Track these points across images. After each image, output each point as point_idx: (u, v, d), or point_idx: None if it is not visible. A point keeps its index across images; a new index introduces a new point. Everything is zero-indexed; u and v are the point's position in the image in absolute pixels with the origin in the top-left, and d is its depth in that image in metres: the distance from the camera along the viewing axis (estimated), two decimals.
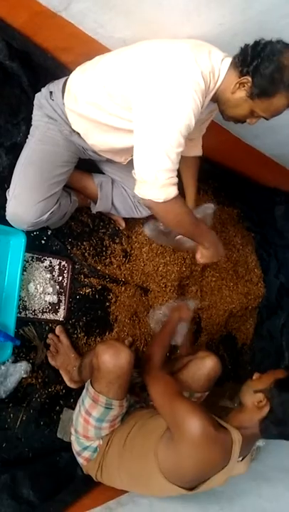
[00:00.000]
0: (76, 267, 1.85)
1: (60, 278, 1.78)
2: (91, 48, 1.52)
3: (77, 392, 1.69)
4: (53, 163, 1.53)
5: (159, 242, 2.14)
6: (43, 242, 1.76)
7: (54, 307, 1.75)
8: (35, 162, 1.51)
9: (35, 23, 1.47)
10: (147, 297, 2.13)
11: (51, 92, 1.52)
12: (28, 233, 1.58)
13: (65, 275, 1.80)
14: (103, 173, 1.86)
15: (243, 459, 1.42)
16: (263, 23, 1.36)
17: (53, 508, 1.49)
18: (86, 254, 1.90)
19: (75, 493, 1.56)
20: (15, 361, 1.60)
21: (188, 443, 1.29)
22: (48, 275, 1.74)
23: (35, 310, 1.69)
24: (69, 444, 1.61)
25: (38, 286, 1.69)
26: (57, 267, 1.77)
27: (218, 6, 1.33)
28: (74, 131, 1.53)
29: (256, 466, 1.61)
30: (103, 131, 1.47)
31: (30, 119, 1.59)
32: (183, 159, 1.71)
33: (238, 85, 1.27)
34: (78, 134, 1.53)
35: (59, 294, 1.77)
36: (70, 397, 1.77)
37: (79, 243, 1.89)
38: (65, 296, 1.79)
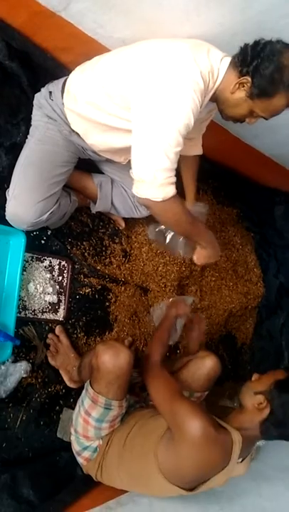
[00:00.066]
0: (76, 266, 1.85)
1: (60, 278, 1.78)
2: (90, 48, 1.52)
3: (77, 392, 1.69)
4: (53, 163, 1.53)
5: (160, 246, 2.13)
6: (42, 242, 1.76)
7: (54, 307, 1.75)
8: (34, 162, 1.51)
9: (35, 23, 1.47)
10: (147, 297, 2.13)
11: (51, 92, 1.52)
12: (27, 233, 1.58)
13: (65, 275, 1.80)
14: (103, 173, 1.86)
15: (242, 461, 1.41)
16: (263, 23, 1.36)
17: (53, 507, 1.49)
18: (86, 254, 1.90)
19: (75, 493, 1.56)
20: (15, 361, 1.60)
21: (188, 443, 1.29)
22: (48, 275, 1.74)
23: (35, 310, 1.69)
24: (69, 444, 1.61)
25: (38, 286, 1.70)
26: (57, 266, 1.77)
27: (217, 6, 1.33)
28: (73, 131, 1.53)
29: (256, 466, 1.61)
30: (102, 131, 1.47)
31: (30, 119, 1.59)
32: (183, 158, 1.72)
33: (237, 85, 1.27)
34: (78, 133, 1.53)
35: (59, 293, 1.77)
36: (70, 397, 1.77)
37: (79, 243, 1.89)
38: (64, 296, 1.79)
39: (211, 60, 1.25)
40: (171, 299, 2.01)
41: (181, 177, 1.88)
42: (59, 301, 1.77)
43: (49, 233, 1.78)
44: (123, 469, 1.46)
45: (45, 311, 1.72)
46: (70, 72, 1.50)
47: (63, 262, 1.79)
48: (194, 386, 1.69)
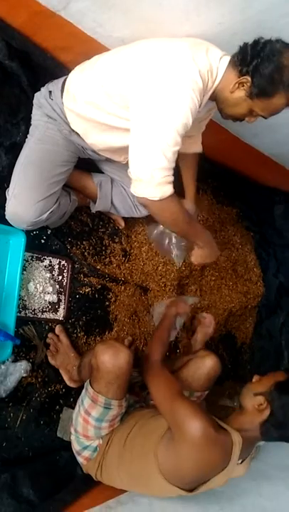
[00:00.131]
0: (76, 266, 1.85)
1: (60, 277, 1.78)
2: (90, 47, 1.52)
3: (77, 392, 1.69)
4: (53, 163, 1.53)
5: (157, 248, 2.13)
6: (42, 241, 1.76)
7: (54, 306, 1.75)
8: (34, 161, 1.51)
9: (35, 22, 1.47)
10: (147, 296, 2.13)
11: (50, 92, 1.52)
12: (27, 232, 1.58)
13: (65, 274, 1.80)
14: (102, 173, 1.86)
15: (242, 462, 1.41)
16: (262, 23, 1.36)
17: (53, 507, 1.49)
18: (86, 253, 1.90)
19: (75, 493, 1.56)
20: (15, 360, 1.60)
21: (188, 444, 1.29)
22: (48, 274, 1.74)
23: (35, 309, 1.69)
24: (69, 444, 1.61)
25: (38, 285, 1.70)
26: (56, 266, 1.77)
27: (217, 6, 1.33)
28: (73, 130, 1.53)
29: (256, 465, 1.61)
30: (102, 130, 1.47)
31: (30, 118, 1.59)
32: (183, 156, 1.73)
33: (237, 85, 1.27)
34: (77, 133, 1.53)
35: (59, 293, 1.77)
36: (70, 397, 1.77)
37: (78, 242, 1.89)
38: (64, 295, 1.79)
39: (210, 59, 1.25)
40: (171, 299, 2.01)
41: (180, 176, 1.88)
42: (59, 300, 1.77)
43: (49, 232, 1.78)
44: (123, 469, 1.46)
45: (45, 311, 1.72)
46: (70, 71, 1.50)
47: (63, 262, 1.80)
48: (194, 385, 1.69)
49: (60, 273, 1.79)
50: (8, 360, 1.56)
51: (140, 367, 1.64)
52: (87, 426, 1.48)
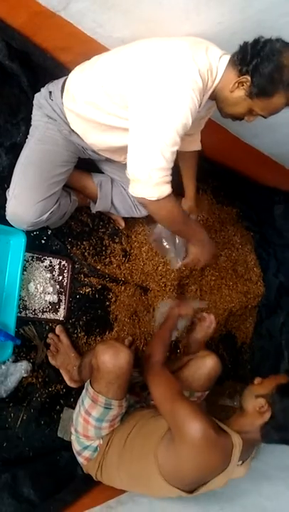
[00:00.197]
0: (76, 266, 1.86)
1: (60, 277, 1.78)
2: (90, 48, 1.52)
3: (78, 392, 1.69)
4: (53, 163, 1.53)
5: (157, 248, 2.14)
6: (43, 241, 1.76)
7: (54, 307, 1.75)
8: (34, 162, 1.51)
9: (35, 23, 1.47)
10: (147, 296, 2.13)
11: (50, 92, 1.52)
12: (28, 233, 1.58)
13: (65, 275, 1.80)
14: (103, 173, 1.86)
15: (242, 463, 1.41)
16: (262, 22, 1.36)
17: (54, 506, 1.49)
18: (86, 253, 1.90)
19: (76, 492, 1.56)
20: (15, 361, 1.60)
21: (188, 446, 1.29)
22: (48, 275, 1.74)
23: (35, 309, 1.69)
24: (69, 444, 1.61)
25: (38, 285, 1.70)
26: (57, 266, 1.77)
27: (217, 5, 1.33)
28: (73, 130, 1.53)
29: (257, 465, 1.61)
30: (101, 130, 1.47)
31: (30, 119, 1.59)
32: (182, 155, 1.73)
33: (237, 84, 1.27)
34: (77, 133, 1.53)
35: (59, 293, 1.77)
36: (71, 397, 1.77)
37: (79, 243, 1.89)
38: (65, 295, 1.79)
39: (210, 59, 1.25)
40: (176, 301, 2.01)
41: (180, 175, 1.88)
42: (59, 300, 1.77)
43: (49, 233, 1.78)
44: (123, 469, 1.46)
45: (46, 311, 1.72)
46: (70, 71, 1.50)
47: (63, 262, 1.80)
48: (195, 386, 1.69)
49: (61, 273, 1.79)
50: (8, 360, 1.56)
51: (140, 367, 1.64)
52: (87, 426, 1.48)
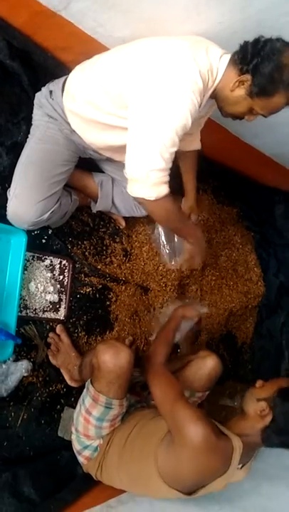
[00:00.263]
0: (77, 266, 1.86)
1: (61, 277, 1.79)
2: (90, 47, 1.52)
3: (78, 391, 1.69)
4: (54, 163, 1.53)
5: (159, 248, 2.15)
6: (43, 241, 1.76)
7: (55, 306, 1.75)
8: (35, 161, 1.51)
9: (35, 22, 1.47)
10: (147, 296, 2.13)
11: (51, 92, 1.52)
12: (28, 232, 1.58)
13: (66, 274, 1.80)
14: (103, 172, 1.86)
15: (242, 466, 1.41)
16: (262, 21, 1.36)
17: (54, 506, 1.49)
18: (86, 253, 1.91)
19: (76, 492, 1.56)
20: (16, 360, 1.60)
21: (188, 448, 1.29)
22: (49, 274, 1.74)
23: (36, 309, 1.69)
24: (70, 443, 1.61)
25: (39, 285, 1.70)
26: (57, 266, 1.78)
27: (217, 5, 1.33)
28: (74, 130, 1.53)
29: (256, 465, 1.61)
30: (101, 129, 1.47)
31: (31, 118, 1.59)
32: (182, 154, 1.73)
33: (237, 83, 1.27)
34: (77, 133, 1.53)
35: (60, 293, 1.77)
36: (71, 396, 1.77)
37: (79, 242, 1.89)
38: (65, 295, 1.79)
39: (210, 58, 1.25)
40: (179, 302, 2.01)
41: (180, 174, 1.89)
42: (60, 300, 1.77)
43: (50, 232, 1.78)
44: (123, 470, 1.46)
45: (46, 310, 1.73)
46: (71, 71, 1.51)
47: (64, 261, 1.80)
48: (195, 386, 1.69)
49: (61, 273, 1.79)
50: (9, 359, 1.56)
51: (141, 367, 1.64)
52: (88, 425, 1.48)
